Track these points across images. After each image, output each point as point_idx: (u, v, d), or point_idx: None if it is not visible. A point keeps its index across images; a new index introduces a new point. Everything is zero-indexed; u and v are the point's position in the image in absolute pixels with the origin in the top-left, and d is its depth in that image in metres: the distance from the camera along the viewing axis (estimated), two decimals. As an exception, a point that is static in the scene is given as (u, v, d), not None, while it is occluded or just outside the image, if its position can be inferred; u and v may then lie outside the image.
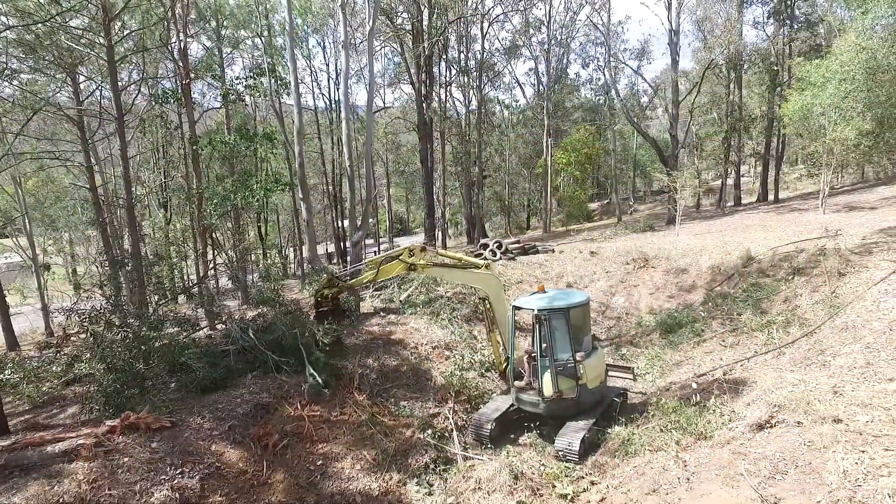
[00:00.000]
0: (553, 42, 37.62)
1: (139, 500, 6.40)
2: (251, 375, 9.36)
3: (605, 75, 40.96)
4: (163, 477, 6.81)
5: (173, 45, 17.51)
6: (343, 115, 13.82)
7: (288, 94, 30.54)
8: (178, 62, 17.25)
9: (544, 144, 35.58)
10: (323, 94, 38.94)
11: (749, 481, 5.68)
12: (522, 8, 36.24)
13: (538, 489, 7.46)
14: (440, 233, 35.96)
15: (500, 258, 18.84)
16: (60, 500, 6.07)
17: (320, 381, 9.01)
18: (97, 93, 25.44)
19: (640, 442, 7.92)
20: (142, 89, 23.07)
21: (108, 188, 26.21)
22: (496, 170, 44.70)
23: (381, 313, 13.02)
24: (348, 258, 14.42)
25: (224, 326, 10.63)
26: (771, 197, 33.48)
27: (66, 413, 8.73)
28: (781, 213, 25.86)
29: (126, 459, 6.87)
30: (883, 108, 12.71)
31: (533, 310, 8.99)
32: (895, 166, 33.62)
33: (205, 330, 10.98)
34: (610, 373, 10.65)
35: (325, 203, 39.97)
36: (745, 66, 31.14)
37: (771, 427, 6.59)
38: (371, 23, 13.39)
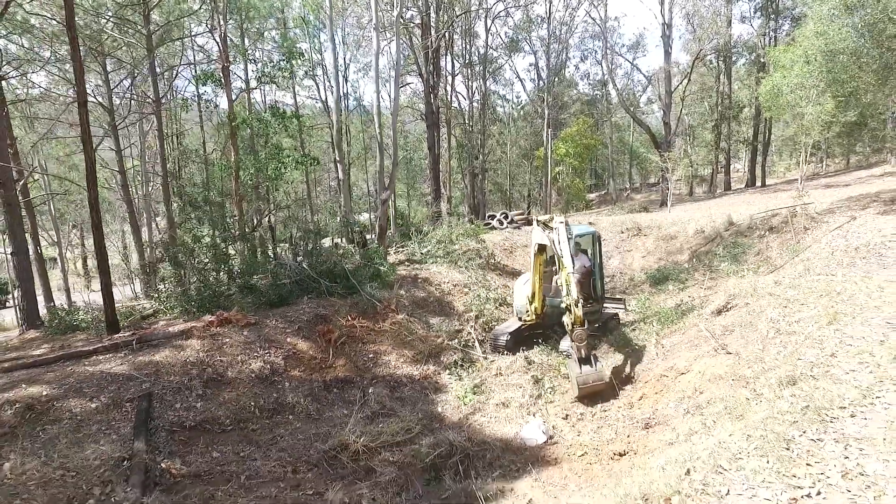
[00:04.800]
0: (552, 38, 39.63)
1: (242, 366, 8.33)
2: (306, 298, 11.28)
3: (602, 67, 42.96)
4: (255, 354, 8.74)
5: (215, 30, 19.41)
6: (375, 88, 15.81)
7: (301, 83, 32.80)
8: (219, 46, 19.13)
9: (545, 135, 37.56)
10: (331, 87, 40.85)
11: (707, 338, 7.65)
12: (524, 4, 38.29)
13: (547, 371, 9.42)
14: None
15: (507, 227, 20.82)
16: (186, 360, 7.99)
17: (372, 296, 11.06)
18: (125, 81, 27.32)
19: (628, 339, 9.90)
20: (179, 73, 25.03)
21: (130, 174, 28.15)
22: (498, 161, 46.67)
23: (406, 263, 14.98)
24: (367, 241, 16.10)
25: (276, 261, 12.53)
26: (759, 183, 35.58)
27: (158, 324, 10.64)
28: (765, 194, 27.95)
29: (227, 340, 8.81)
30: (841, 85, 14.70)
31: (593, 233, 11.51)
32: (874, 153, 35.59)
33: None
34: (606, 304, 12.62)
35: (332, 194, 41.73)
36: (734, 58, 33.19)
37: (727, 311, 8.57)
38: (399, 7, 15.46)
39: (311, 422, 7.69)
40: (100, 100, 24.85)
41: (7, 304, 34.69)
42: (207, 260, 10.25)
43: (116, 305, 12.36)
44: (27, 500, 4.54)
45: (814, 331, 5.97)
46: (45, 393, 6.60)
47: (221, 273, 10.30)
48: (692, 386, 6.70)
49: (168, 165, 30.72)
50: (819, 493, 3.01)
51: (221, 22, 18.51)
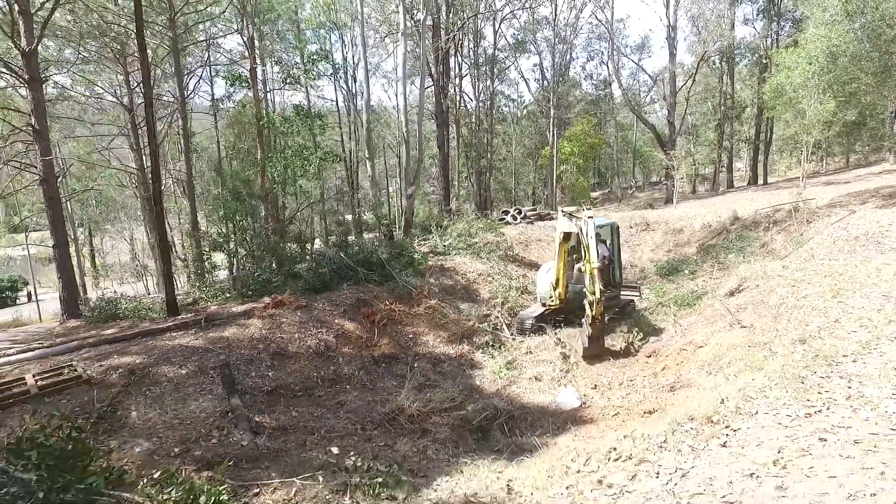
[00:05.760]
0: (557, 39, 40.49)
1: (300, 343, 9.19)
2: (346, 284, 12.14)
3: (608, 67, 43.76)
4: (310, 332, 9.61)
5: (242, 32, 20.25)
6: (399, 89, 16.70)
7: (314, 83, 33.69)
8: (246, 47, 19.99)
9: (550, 133, 38.43)
10: (342, 87, 41.67)
11: (723, 315, 8.50)
12: (530, 6, 39.19)
13: (572, 349, 10.30)
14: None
15: (521, 222, 21.70)
16: (252, 336, 8.86)
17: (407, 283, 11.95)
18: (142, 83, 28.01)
19: (647, 321, 10.76)
20: (200, 75, 25.89)
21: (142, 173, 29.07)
22: (503, 160, 47.57)
23: (430, 255, 15.83)
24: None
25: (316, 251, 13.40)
26: (761, 181, 36.49)
27: (210, 308, 11.48)
28: (767, 191, 28.86)
29: (284, 320, 9.68)
30: (841, 85, 15.57)
31: (612, 224, 12.52)
32: (874, 152, 36.45)
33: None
34: (623, 291, 13.51)
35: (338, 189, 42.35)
36: (737, 60, 34.09)
37: (740, 292, 9.43)
38: (425, 11, 16.37)
39: (366, 391, 8.55)
40: (123, 101, 25.65)
41: (18, 301, 35.32)
42: (258, 249, 11.08)
43: (146, 300, 13.27)
44: (162, 438, 5.39)
45: (820, 304, 6.83)
46: (138, 361, 7.46)
47: (271, 261, 11.16)
48: (711, 355, 7.56)
49: (180, 165, 31.62)
50: (828, 409, 3.87)
51: (249, 25, 19.35)
